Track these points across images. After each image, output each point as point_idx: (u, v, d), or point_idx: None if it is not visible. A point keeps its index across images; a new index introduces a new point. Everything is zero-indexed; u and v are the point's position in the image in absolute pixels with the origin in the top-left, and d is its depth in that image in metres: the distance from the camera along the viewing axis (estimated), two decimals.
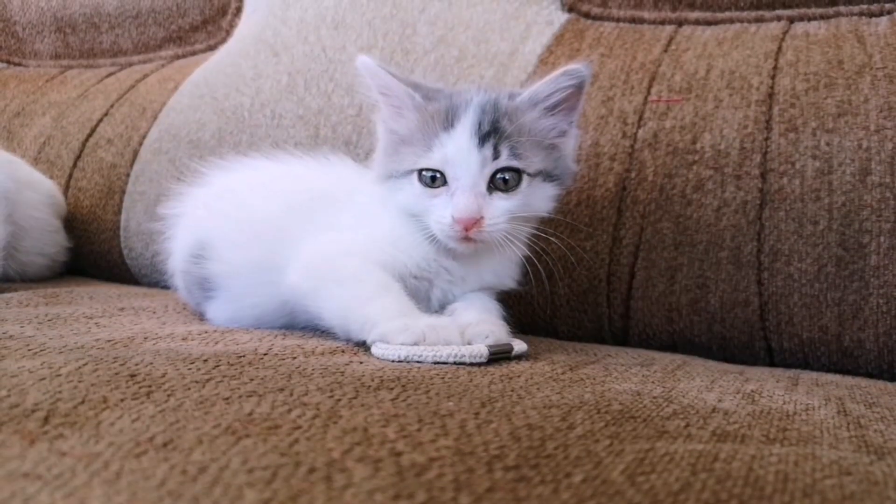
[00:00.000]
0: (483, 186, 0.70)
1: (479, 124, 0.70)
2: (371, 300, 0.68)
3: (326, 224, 0.75)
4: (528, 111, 0.72)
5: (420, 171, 0.72)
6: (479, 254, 0.74)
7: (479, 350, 0.64)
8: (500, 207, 0.70)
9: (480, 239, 0.70)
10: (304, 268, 0.72)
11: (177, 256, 0.87)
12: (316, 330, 0.74)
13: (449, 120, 0.71)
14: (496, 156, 0.69)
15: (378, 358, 0.64)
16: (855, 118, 0.83)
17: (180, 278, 0.87)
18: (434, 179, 0.71)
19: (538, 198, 0.73)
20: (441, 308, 0.76)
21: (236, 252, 0.78)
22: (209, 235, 0.80)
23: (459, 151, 0.70)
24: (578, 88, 0.73)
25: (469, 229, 0.69)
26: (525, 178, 0.71)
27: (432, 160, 0.71)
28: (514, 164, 0.70)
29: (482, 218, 0.69)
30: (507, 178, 0.70)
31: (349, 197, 0.79)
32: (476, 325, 0.68)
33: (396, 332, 0.64)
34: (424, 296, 0.75)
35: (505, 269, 0.78)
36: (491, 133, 0.70)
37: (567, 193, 0.82)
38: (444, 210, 0.70)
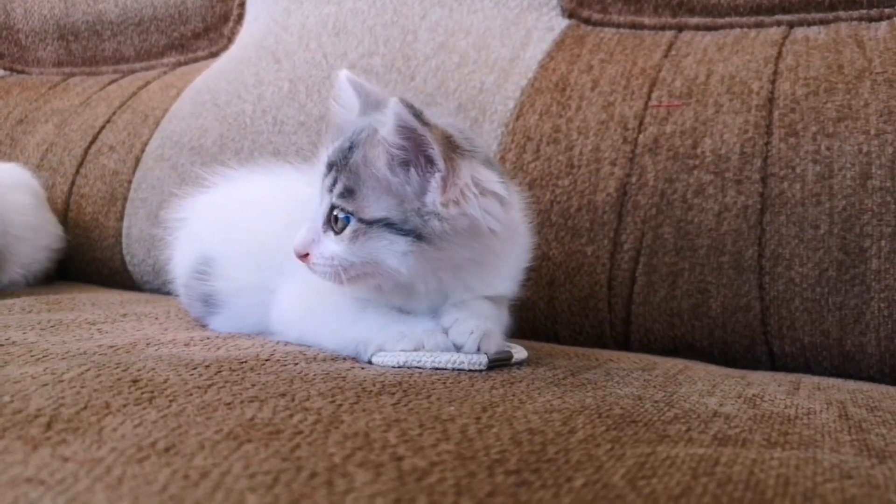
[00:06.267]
0: (320, 221, 0.63)
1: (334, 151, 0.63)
2: (354, 322, 0.66)
3: None
4: (378, 146, 0.61)
5: None
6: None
7: (479, 358, 0.64)
8: (327, 249, 0.62)
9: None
10: (283, 319, 0.70)
11: (179, 268, 0.86)
12: None
13: (334, 141, 0.65)
14: (331, 190, 0.62)
15: (378, 365, 0.64)
16: (855, 122, 0.83)
17: (182, 292, 0.86)
18: None
19: (378, 250, 0.61)
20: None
21: (240, 271, 0.76)
22: (213, 251, 0.79)
23: (317, 177, 0.64)
24: (412, 135, 0.58)
25: (305, 262, 0.64)
26: (353, 222, 0.61)
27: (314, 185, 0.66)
28: (340, 203, 0.61)
29: (308, 254, 0.63)
30: (338, 217, 0.62)
31: None
32: (462, 321, 0.65)
33: (394, 339, 0.64)
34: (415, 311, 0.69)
35: (493, 276, 0.69)
36: (335, 164, 0.62)
37: (567, 198, 0.82)
38: None
